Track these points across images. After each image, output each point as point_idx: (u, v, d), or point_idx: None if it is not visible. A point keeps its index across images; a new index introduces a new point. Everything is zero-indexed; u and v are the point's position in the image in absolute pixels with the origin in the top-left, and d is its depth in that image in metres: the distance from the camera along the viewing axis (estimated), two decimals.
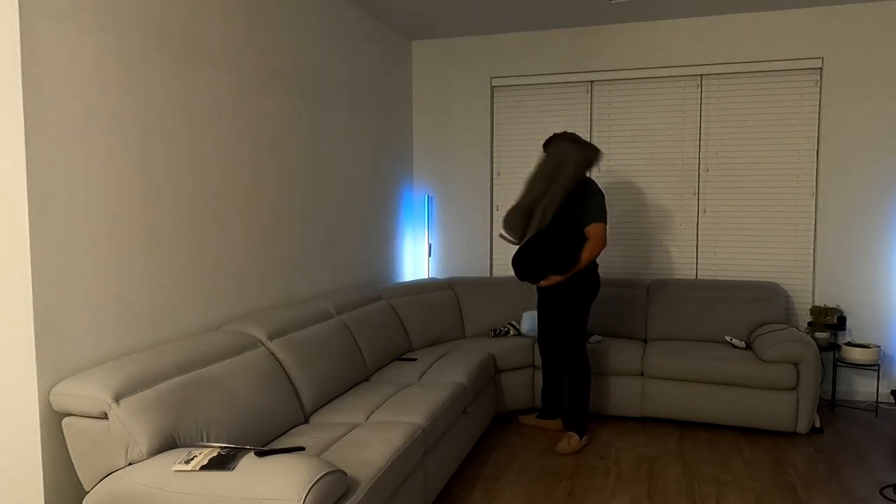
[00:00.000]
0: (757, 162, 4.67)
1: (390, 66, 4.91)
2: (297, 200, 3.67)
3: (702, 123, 4.76)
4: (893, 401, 4.47)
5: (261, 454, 2.02)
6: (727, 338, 4.26)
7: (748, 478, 3.30)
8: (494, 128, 5.23)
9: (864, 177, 4.45)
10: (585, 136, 4.97)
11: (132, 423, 2.10)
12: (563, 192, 3.53)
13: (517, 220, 3.65)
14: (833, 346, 4.33)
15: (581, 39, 4.93)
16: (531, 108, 5.13)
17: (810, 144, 4.57)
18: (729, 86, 4.70)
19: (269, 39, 3.40)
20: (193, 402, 2.31)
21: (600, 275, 4.77)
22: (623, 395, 4.08)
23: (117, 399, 2.11)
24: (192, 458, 2.00)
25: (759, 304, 4.33)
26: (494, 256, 5.30)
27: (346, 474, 2.08)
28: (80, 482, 2.28)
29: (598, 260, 4.93)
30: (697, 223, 4.82)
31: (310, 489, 1.88)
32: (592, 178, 4.94)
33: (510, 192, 5.21)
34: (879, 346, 4.24)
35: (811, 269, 4.61)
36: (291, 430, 2.73)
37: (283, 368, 2.91)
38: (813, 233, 4.59)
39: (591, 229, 3.55)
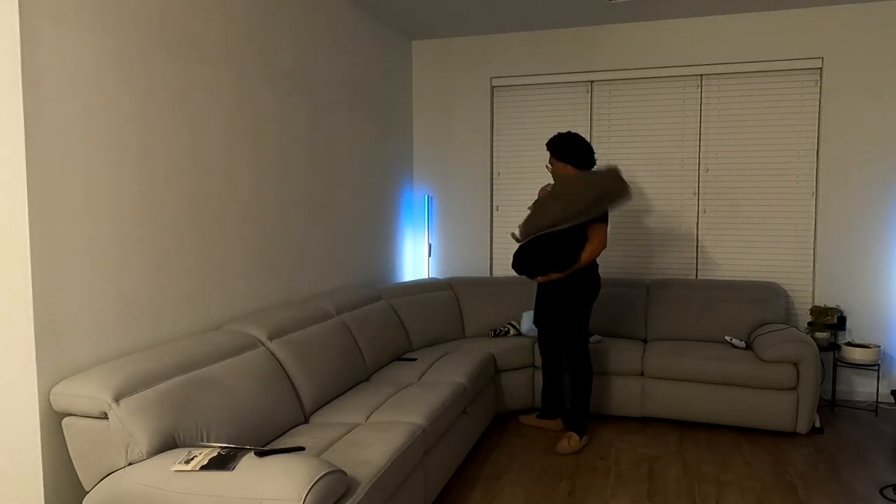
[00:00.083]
0: (757, 162, 4.67)
1: (390, 66, 4.91)
2: (297, 200, 3.67)
3: (702, 123, 4.76)
4: (893, 401, 4.47)
5: (261, 454, 2.01)
6: (727, 338, 4.26)
7: (748, 478, 3.30)
8: (494, 128, 5.23)
9: (864, 177, 4.45)
10: (585, 136, 4.97)
11: (132, 423, 2.10)
12: (590, 218, 3.49)
13: (534, 229, 3.60)
14: (833, 346, 4.33)
15: (581, 39, 4.93)
16: (531, 108, 5.13)
17: (810, 144, 4.57)
18: (729, 86, 4.70)
19: (270, 39, 3.40)
20: (193, 402, 2.31)
21: (600, 275, 4.77)
22: (623, 395, 4.08)
23: (117, 399, 2.11)
24: (192, 458, 2.00)
25: (759, 304, 4.33)
26: (494, 256, 5.30)
27: (346, 474, 2.08)
28: (80, 482, 2.28)
29: (598, 260, 4.93)
30: (697, 223, 4.82)
31: (310, 489, 1.88)
32: None
33: (510, 192, 5.21)
34: (879, 346, 4.24)
35: (811, 269, 4.61)
36: (291, 430, 2.73)
37: (283, 368, 2.91)
38: (813, 233, 4.59)
39: (593, 230, 3.55)
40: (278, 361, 2.90)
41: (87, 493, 2.14)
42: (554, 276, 3.61)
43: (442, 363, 3.73)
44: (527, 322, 4.43)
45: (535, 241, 3.60)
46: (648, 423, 4.12)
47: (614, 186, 3.47)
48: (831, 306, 4.48)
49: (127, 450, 2.09)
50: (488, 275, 5.28)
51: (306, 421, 2.90)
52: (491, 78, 5.16)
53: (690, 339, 4.40)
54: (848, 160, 4.47)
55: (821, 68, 4.51)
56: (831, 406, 4.41)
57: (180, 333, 2.79)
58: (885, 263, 4.44)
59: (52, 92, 2.18)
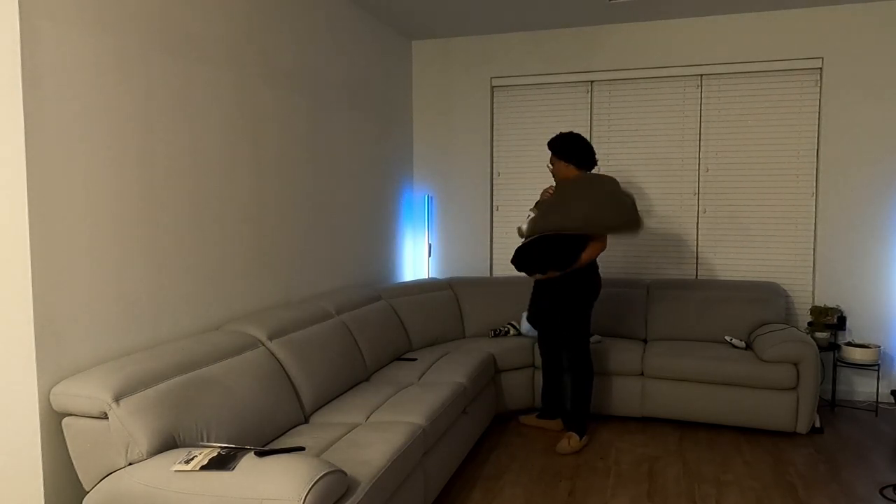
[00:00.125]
0: (757, 162, 4.67)
1: (390, 66, 4.91)
2: (297, 200, 3.67)
3: (702, 123, 4.76)
4: (893, 401, 4.47)
5: (261, 454, 2.01)
6: (727, 338, 4.26)
7: (748, 478, 3.30)
8: (494, 128, 5.23)
9: (864, 177, 4.45)
10: (585, 136, 4.97)
11: (132, 423, 2.10)
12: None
13: (540, 230, 3.61)
14: (833, 346, 4.33)
15: (581, 39, 4.93)
16: (531, 108, 5.13)
17: (810, 144, 4.57)
18: (729, 86, 4.70)
19: (270, 39, 3.40)
20: (193, 402, 2.31)
21: (601, 275, 4.77)
22: (623, 395, 4.08)
23: (117, 399, 2.11)
24: (192, 458, 2.00)
25: (759, 304, 4.33)
26: (494, 256, 5.30)
27: (346, 474, 2.08)
28: (80, 482, 2.28)
29: (598, 260, 4.93)
30: (697, 223, 4.82)
31: (310, 489, 1.88)
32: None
33: (510, 192, 5.21)
34: (879, 346, 4.24)
35: (811, 269, 4.61)
36: (291, 430, 2.73)
37: (283, 368, 2.91)
38: (813, 233, 4.59)
39: None
40: (278, 361, 2.90)
41: (87, 493, 2.14)
42: (552, 274, 3.62)
43: (442, 363, 3.73)
44: (527, 322, 4.43)
45: (537, 239, 3.60)
46: (648, 423, 4.12)
47: (631, 218, 3.52)
48: (831, 306, 4.48)
49: (127, 450, 2.09)
50: (488, 275, 5.28)
51: (306, 421, 2.90)
52: (491, 78, 5.16)
53: (690, 339, 4.40)
54: (848, 160, 4.47)
55: (821, 68, 4.51)
56: (831, 406, 4.41)
57: (180, 333, 2.79)
58: (885, 263, 4.44)
59: (52, 92, 2.18)
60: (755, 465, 3.46)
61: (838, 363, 4.44)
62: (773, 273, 4.68)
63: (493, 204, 5.26)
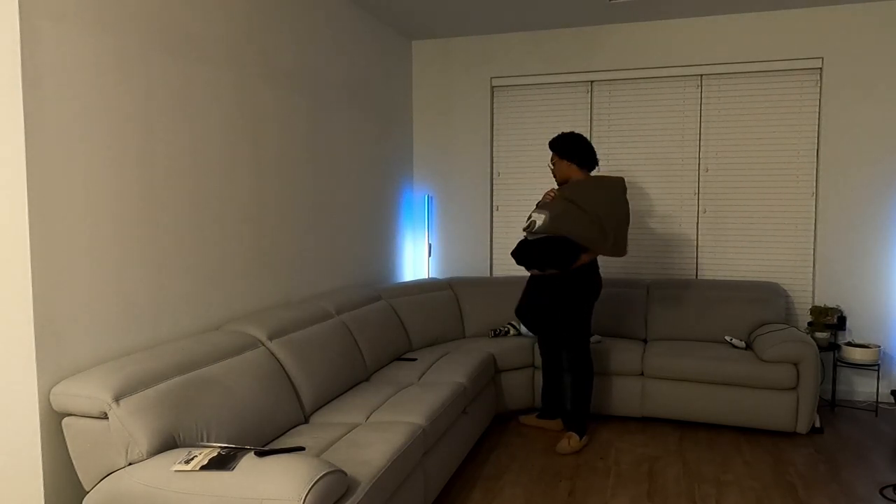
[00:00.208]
0: (757, 162, 4.67)
1: (390, 66, 4.91)
2: (297, 200, 3.67)
3: (702, 123, 4.76)
4: (893, 401, 4.47)
5: (261, 454, 2.01)
6: (727, 338, 4.26)
7: (748, 478, 3.30)
8: (494, 128, 5.23)
9: (864, 177, 4.45)
10: (585, 136, 4.96)
11: (132, 423, 2.10)
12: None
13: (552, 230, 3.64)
14: (833, 346, 4.33)
15: (581, 39, 4.93)
16: (531, 108, 5.13)
17: (810, 144, 4.57)
18: (729, 86, 4.70)
19: (270, 39, 3.40)
20: (193, 402, 2.31)
21: (601, 275, 4.77)
22: (623, 395, 4.08)
23: (117, 399, 2.11)
24: (192, 458, 2.00)
25: (759, 304, 4.33)
26: (494, 256, 5.29)
27: (346, 474, 2.08)
28: (80, 482, 2.28)
29: (598, 260, 4.92)
30: (697, 223, 4.82)
31: (310, 489, 1.88)
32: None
33: (510, 192, 5.21)
34: (879, 346, 4.24)
35: (811, 269, 4.61)
36: (291, 430, 2.73)
37: (283, 368, 2.91)
38: (813, 233, 4.59)
39: None
40: (278, 361, 2.90)
41: (87, 493, 2.14)
42: (551, 271, 3.63)
43: (442, 363, 3.73)
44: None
45: (543, 237, 3.61)
46: (648, 423, 4.12)
47: (614, 249, 3.62)
48: (831, 306, 4.48)
49: (127, 450, 2.09)
50: (488, 275, 5.28)
51: (306, 421, 2.90)
52: (491, 78, 5.16)
53: (690, 339, 4.40)
54: (848, 160, 4.47)
55: (821, 68, 4.51)
56: (831, 406, 4.41)
57: (180, 333, 2.79)
58: (885, 263, 4.44)
59: (52, 92, 2.18)
60: (755, 465, 3.46)
61: (838, 363, 4.44)
62: (773, 273, 4.68)
63: (493, 204, 5.26)
